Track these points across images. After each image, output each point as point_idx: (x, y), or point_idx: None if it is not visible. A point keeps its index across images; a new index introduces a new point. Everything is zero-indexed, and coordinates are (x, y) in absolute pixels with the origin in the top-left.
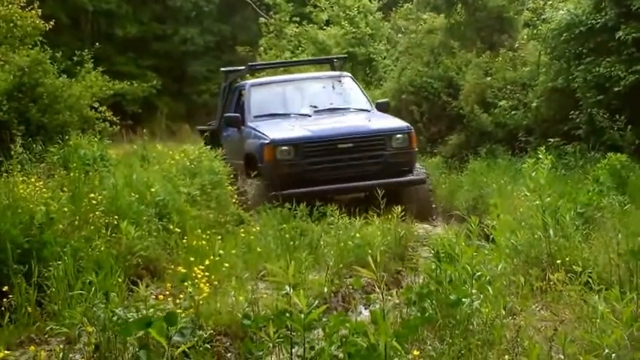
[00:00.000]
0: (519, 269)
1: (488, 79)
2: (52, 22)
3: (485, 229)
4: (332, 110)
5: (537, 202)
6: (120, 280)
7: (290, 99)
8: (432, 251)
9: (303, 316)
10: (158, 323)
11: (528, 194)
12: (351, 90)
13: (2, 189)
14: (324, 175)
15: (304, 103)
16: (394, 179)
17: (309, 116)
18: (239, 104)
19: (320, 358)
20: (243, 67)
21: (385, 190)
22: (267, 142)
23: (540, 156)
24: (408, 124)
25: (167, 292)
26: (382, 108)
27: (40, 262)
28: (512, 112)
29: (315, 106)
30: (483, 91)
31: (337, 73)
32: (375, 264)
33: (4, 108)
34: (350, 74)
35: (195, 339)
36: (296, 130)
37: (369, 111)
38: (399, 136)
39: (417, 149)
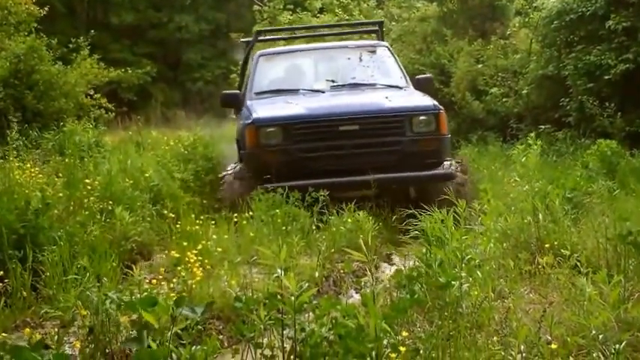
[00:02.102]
0: (509, 253)
1: (480, 66)
2: (46, 8)
3: (474, 214)
4: (353, 86)
5: (527, 188)
6: (114, 264)
7: (305, 72)
8: (422, 235)
9: (293, 298)
10: (163, 302)
11: (518, 180)
12: (383, 62)
13: None
14: (321, 165)
15: (321, 78)
16: (408, 174)
17: (323, 92)
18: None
19: (310, 340)
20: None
21: (402, 187)
22: (249, 122)
23: (530, 142)
24: (436, 103)
25: (160, 277)
26: (423, 85)
27: (35, 247)
28: (504, 100)
29: (333, 81)
30: (475, 79)
31: (371, 42)
32: (367, 247)
33: (0, 95)
34: (387, 44)
35: (188, 321)
36: (289, 108)
37: (400, 88)
38: (422, 117)
39: (449, 135)
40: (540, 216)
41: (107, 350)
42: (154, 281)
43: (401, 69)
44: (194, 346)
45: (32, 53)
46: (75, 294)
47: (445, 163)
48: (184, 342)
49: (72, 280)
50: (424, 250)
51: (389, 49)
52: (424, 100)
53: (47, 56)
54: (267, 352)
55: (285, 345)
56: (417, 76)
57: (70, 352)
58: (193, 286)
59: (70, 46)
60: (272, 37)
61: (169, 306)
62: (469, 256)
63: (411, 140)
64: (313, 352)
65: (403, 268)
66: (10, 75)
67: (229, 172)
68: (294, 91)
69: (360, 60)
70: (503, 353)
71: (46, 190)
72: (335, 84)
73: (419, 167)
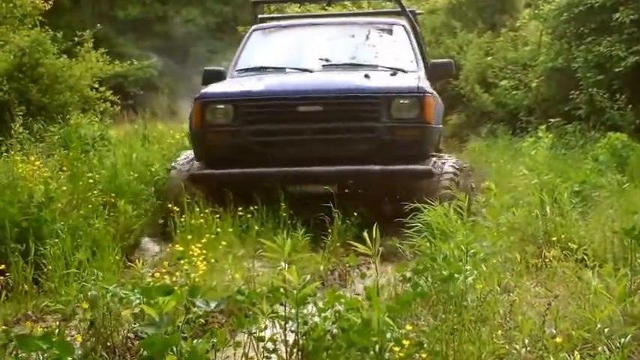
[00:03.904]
0: (515, 246)
1: (489, 58)
2: (51, 2)
3: (480, 207)
4: (350, 66)
5: (535, 181)
6: (117, 258)
7: (300, 49)
8: (427, 228)
9: (296, 291)
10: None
11: (527, 173)
12: (394, 42)
13: (1, 168)
14: (276, 152)
15: (317, 56)
16: (373, 167)
17: (311, 72)
18: None
19: (313, 333)
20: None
21: (371, 184)
22: (195, 98)
23: (540, 135)
24: (423, 85)
25: (164, 270)
26: (439, 70)
27: (37, 241)
28: (513, 92)
29: (327, 60)
30: (484, 71)
31: (387, 20)
32: (372, 240)
33: (4, 88)
34: (404, 23)
35: (190, 315)
36: (246, 85)
37: (406, 72)
38: (403, 101)
39: (436, 125)
40: (548, 209)
41: (109, 343)
42: (157, 275)
43: (414, 51)
44: (197, 339)
45: (37, 46)
46: (77, 287)
47: (433, 158)
48: (186, 335)
49: (74, 273)
50: (428, 244)
51: (405, 29)
52: (407, 81)
53: (52, 49)
54: (270, 345)
55: (287, 338)
56: (434, 60)
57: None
58: (197, 279)
59: (76, 39)
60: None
61: (183, 296)
62: (474, 250)
63: (387, 127)
64: (316, 345)
65: (408, 262)
66: (15, 68)
67: (178, 162)
68: (279, 70)
69: (367, 38)
70: (507, 347)
71: (49, 183)
72: (329, 63)
73: (396, 160)
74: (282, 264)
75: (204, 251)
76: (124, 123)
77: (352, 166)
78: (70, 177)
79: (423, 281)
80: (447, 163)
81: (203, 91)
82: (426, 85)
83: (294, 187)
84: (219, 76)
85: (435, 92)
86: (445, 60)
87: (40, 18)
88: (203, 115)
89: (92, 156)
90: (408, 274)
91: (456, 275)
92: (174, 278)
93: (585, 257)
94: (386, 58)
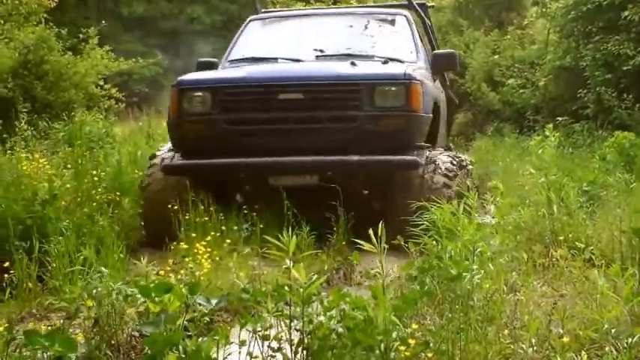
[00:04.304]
0: (522, 246)
1: (496, 57)
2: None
3: (486, 206)
4: (344, 57)
5: (542, 180)
6: (121, 255)
7: (295, 40)
8: (433, 226)
9: (302, 290)
10: (177, 289)
11: (534, 172)
12: (395, 33)
13: (6, 165)
14: (255, 142)
15: (312, 46)
16: (353, 157)
17: (302, 62)
18: None
19: (319, 332)
20: None
21: (352, 177)
22: (172, 85)
23: (547, 133)
24: (410, 72)
25: (168, 268)
26: (441, 62)
27: (41, 238)
28: (520, 91)
29: (321, 50)
30: (491, 70)
31: (388, 10)
32: (376, 238)
33: (9, 85)
34: (406, 14)
35: (195, 313)
36: (223, 72)
37: (403, 62)
38: (387, 88)
39: (424, 114)
40: (555, 208)
41: (113, 342)
42: (162, 272)
43: (415, 42)
44: (201, 338)
45: (42, 43)
46: (81, 285)
47: (425, 150)
48: (191, 333)
49: (78, 271)
50: (434, 242)
51: (407, 19)
52: (394, 68)
53: (57, 46)
54: (275, 344)
55: (292, 337)
56: (436, 51)
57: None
58: (201, 277)
59: (80, 36)
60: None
61: (184, 294)
62: (481, 249)
63: (370, 116)
64: (321, 344)
65: (414, 260)
66: (20, 65)
67: (160, 153)
68: (271, 60)
69: (366, 29)
70: (514, 347)
71: (54, 181)
72: (323, 54)
73: (380, 152)
74: (288, 262)
75: (208, 249)
76: (128, 120)
77: (328, 157)
78: (74, 174)
79: (429, 280)
80: (440, 156)
81: (180, 78)
82: (417, 73)
83: (274, 179)
84: (211, 67)
85: (429, 80)
86: (448, 51)
87: (45, 15)
88: (180, 103)
89: (97, 153)
90: (414, 273)
91: (463, 274)
92: (178, 276)
93: (593, 257)
94: (384, 49)
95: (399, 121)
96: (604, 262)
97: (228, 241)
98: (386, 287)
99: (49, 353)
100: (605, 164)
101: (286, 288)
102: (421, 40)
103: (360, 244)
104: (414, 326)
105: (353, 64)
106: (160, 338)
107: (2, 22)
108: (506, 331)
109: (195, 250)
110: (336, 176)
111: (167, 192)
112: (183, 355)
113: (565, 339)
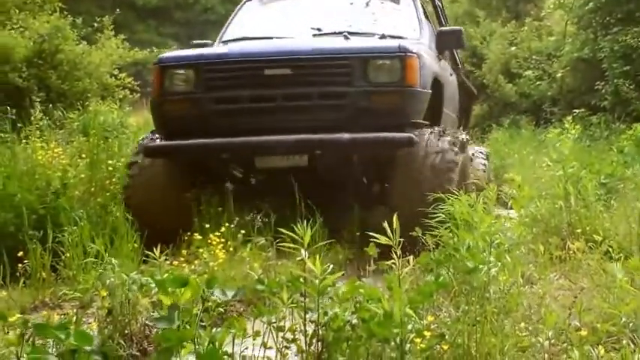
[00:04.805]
0: (539, 238)
1: (513, 49)
2: None
3: (504, 198)
4: (343, 34)
5: (560, 172)
6: (135, 245)
7: (293, 19)
8: (450, 218)
9: (317, 281)
10: (194, 282)
11: (551, 164)
12: (398, 11)
13: (21, 155)
14: (242, 122)
15: (309, 25)
16: (343, 135)
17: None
18: None
19: (333, 324)
20: None
21: (344, 157)
22: (154, 63)
23: (567, 126)
24: (406, 45)
25: (182, 259)
26: (446, 40)
27: (55, 228)
28: (537, 83)
29: (319, 29)
30: (508, 61)
31: None
32: (392, 230)
33: (23, 75)
34: None
35: (209, 303)
36: (208, 49)
37: (404, 39)
38: (381, 62)
39: (422, 89)
40: (572, 201)
41: (126, 332)
42: (176, 263)
43: (419, 20)
44: (215, 329)
45: (56, 33)
46: (95, 275)
47: (425, 129)
48: (205, 324)
49: (91, 261)
50: (451, 234)
51: None
52: (387, 41)
53: (71, 36)
54: (289, 335)
55: (307, 329)
56: (441, 28)
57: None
58: (215, 268)
59: (95, 25)
60: None
61: (200, 287)
62: (498, 241)
63: (363, 92)
64: (336, 336)
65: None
66: (34, 55)
67: (145, 140)
68: (267, 39)
69: (367, 5)
70: (530, 339)
71: (68, 170)
72: (320, 32)
73: (374, 130)
74: (303, 253)
75: (223, 240)
76: (143, 110)
77: (318, 135)
78: (89, 164)
79: (445, 272)
80: (443, 136)
81: (161, 55)
82: (415, 47)
83: (261, 161)
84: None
85: (430, 56)
86: (453, 27)
87: (60, 4)
88: (161, 82)
89: (111, 143)
90: (431, 265)
91: (480, 267)
92: (192, 267)
93: (610, 249)
94: (385, 27)
95: (393, 98)
96: (622, 255)
97: (243, 232)
98: (401, 279)
99: (62, 344)
100: (623, 157)
101: (301, 279)
102: (428, 19)
103: (375, 237)
104: (430, 318)
105: (346, 37)
106: (173, 335)
107: (17, 10)
108: (522, 324)
109: (209, 241)
110: (328, 156)
111: (153, 177)
112: (198, 348)
113: (582, 332)
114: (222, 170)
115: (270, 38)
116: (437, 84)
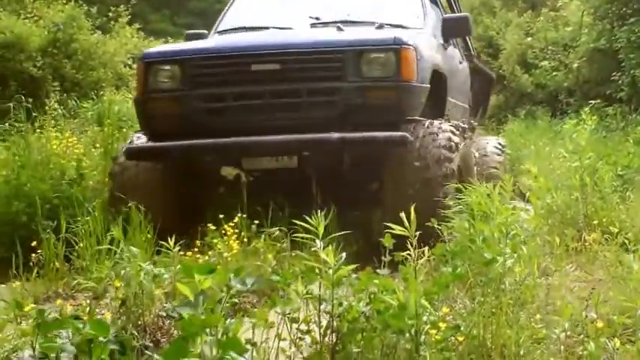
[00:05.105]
0: (555, 229)
1: (530, 39)
2: None
3: (521, 190)
4: (341, 24)
5: (577, 164)
6: (149, 236)
7: (291, 7)
8: (466, 209)
9: (331, 272)
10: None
11: (567, 155)
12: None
13: (35, 144)
14: (230, 121)
15: (307, 13)
16: (332, 135)
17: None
18: None
19: (348, 315)
20: None
21: (335, 157)
22: (138, 59)
23: (583, 116)
24: (401, 37)
25: (196, 249)
26: (452, 27)
27: (69, 218)
28: (554, 74)
29: (317, 18)
30: (524, 52)
31: None
32: (408, 220)
33: (38, 64)
34: None
35: (223, 294)
36: (196, 43)
37: (406, 28)
38: (374, 55)
39: (421, 84)
40: (588, 192)
41: (140, 322)
42: (190, 254)
43: (424, 6)
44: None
45: (71, 22)
46: (108, 265)
47: (417, 124)
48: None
49: (105, 251)
50: (467, 225)
51: None
52: (383, 33)
53: (86, 25)
54: (303, 326)
55: (321, 320)
56: (446, 15)
57: None
58: (229, 259)
59: (110, 15)
60: None
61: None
62: (514, 232)
63: (356, 88)
64: (351, 327)
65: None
66: (49, 44)
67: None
68: (262, 29)
69: None
70: (546, 331)
71: (82, 160)
72: (318, 21)
73: (368, 128)
74: (317, 243)
75: (237, 230)
76: None
77: (304, 135)
78: (103, 154)
79: (461, 263)
80: (441, 127)
81: (146, 50)
82: (413, 38)
83: (248, 162)
84: (199, 39)
85: (430, 47)
86: (460, 15)
87: None
88: (146, 79)
89: (126, 133)
90: (446, 256)
91: (496, 258)
92: (206, 257)
93: (626, 241)
94: (387, 14)
95: (388, 93)
96: (638, 247)
97: (257, 222)
98: (417, 270)
99: (77, 335)
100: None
101: (316, 270)
102: (437, 4)
103: (391, 227)
104: (445, 310)
105: (339, 29)
106: (197, 321)
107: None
108: (538, 316)
109: (223, 231)
110: (317, 157)
111: (138, 182)
112: (219, 337)
113: (598, 324)
114: (211, 173)
115: (267, 28)
116: (439, 75)
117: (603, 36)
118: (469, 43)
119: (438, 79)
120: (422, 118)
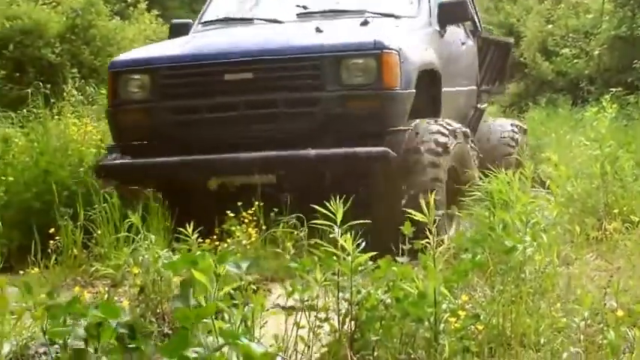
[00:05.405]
0: (575, 218)
1: (550, 26)
2: None
3: (541, 178)
4: (330, 13)
5: (597, 152)
6: (167, 223)
7: None
8: (486, 196)
9: (350, 259)
10: (206, 261)
11: (587, 144)
12: None
13: (53, 131)
14: (203, 134)
15: (294, 2)
16: (308, 152)
17: (281, 23)
18: None
19: (367, 303)
20: None
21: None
22: (109, 67)
23: (604, 104)
24: (379, 40)
25: (214, 237)
26: (448, 14)
27: (87, 205)
28: (574, 61)
29: (304, 7)
30: (545, 39)
31: None
32: (428, 207)
33: (56, 50)
34: None
35: (242, 282)
36: (169, 47)
37: (397, 17)
38: (355, 61)
39: (405, 90)
40: (609, 181)
41: (158, 310)
42: (208, 241)
43: None
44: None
45: (90, 7)
46: (126, 252)
47: (402, 134)
48: (237, 302)
49: (123, 238)
50: (487, 213)
51: None
52: (364, 35)
53: (105, 11)
54: (322, 314)
55: (340, 307)
56: (442, 0)
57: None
58: (248, 247)
59: (128, 0)
60: None
61: (212, 262)
62: (534, 220)
63: (335, 97)
64: (370, 315)
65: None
66: (67, 30)
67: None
68: (247, 21)
69: None
70: (566, 320)
71: (101, 147)
72: (306, 11)
73: (350, 140)
74: (336, 230)
75: (255, 218)
76: None
77: (279, 152)
78: None
79: (480, 251)
80: (428, 129)
81: (116, 58)
82: (398, 37)
83: (225, 178)
84: (186, 30)
85: (420, 42)
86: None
87: None
88: (115, 89)
89: None
90: (466, 244)
91: (517, 247)
92: (225, 245)
93: None
94: (378, 2)
95: (369, 102)
96: None
97: (276, 209)
98: (436, 258)
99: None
100: None
101: (334, 258)
102: None
103: (412, 214)
104: (464, 298)
105: (318, 30)
106: (190, 313)
107: None
108: (558, 305)
109: (242, 219)
110: (296, 174)
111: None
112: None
113: (618, 313)
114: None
115: (251, 20)
116: (432, 73)
117: (624, 23)
118: (475, 17)
119: (431, 77)
120: (406, 127)
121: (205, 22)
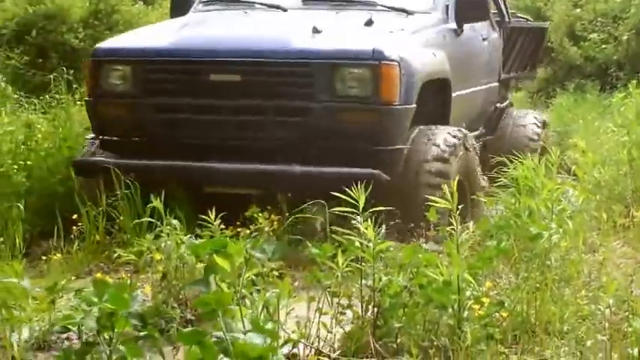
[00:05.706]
0: (602, 205)
1: (578, 10)
2: None
3: (568, 164)
4: (338, 3)
5: (625, 138)
6: (189, 209)
7: None
8: (511, 182)
9: (372, 246)
10: (235, 245)
11: (615, 130)
12: None
13: (76, 116)
14: (186, 136)
15: None
16: (293, 169)
17: (285, 11)
18: None
19: (389, 289)
20: None
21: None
22: (91, 56)
23: (631, 90)
24: (378, 48)
25: (238, 223)
26: (466, 11)
27: (109, 191)
28: (603, 46)
29: None
30: (572, 24)
31: None
32: (451, 194)
33: (80, 35)
34: None
35: (265, 269)
36: (157, 35)
37: (408, 13)
38: (348, 71)
39: (405, 105)
40: (637, 167)
41: (180, 296)
42: (231, 227)
43: None
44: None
45: None
46: (149, 239)
47: (399, 153)
48: (259, 288)
49: (146, 224)
50: (512, 199)
51: None
52: (363, 41)
53: None
54: (345, 301)
55: (363, 294)
56: None
57: (143, 298)
58: (270, 234)
59: None
60: None
61: (241, 248)
62: (560, 207)
63: (327, 109)
64: (393, 302)
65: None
66: (90, 15)
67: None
68: (248, 5)
69: None
70: (591, 308)
71: None
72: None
73: (341, 155)
74: (358, 218)
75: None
76: None
77: (262, 166)
78: None
79: (505, 238)
80: (432, 140)
81: (100, 45)
82: (401, 44)
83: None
84: (187, 6)
85: (428, 48)
86: None
87: None
88: (95, 79)
89: None
90: (491, 230)
91: (542, 233)
92: (247, 231)
93: None
94: None
95: (363, 117)
96: None
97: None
98: (460, 245)
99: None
100: None
101: (357, 244)
102: None
103: (434, 202)
104: (489, 285)
105: (315, 30)
106: (211, 298)
107: None
108: (583, 292)
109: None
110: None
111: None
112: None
113: None
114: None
115: (252, 4)
116: (442, 82)
117: None
118: (502, 7)
119: (440, 84)
120: (403, 147)
121: (206, 1)
